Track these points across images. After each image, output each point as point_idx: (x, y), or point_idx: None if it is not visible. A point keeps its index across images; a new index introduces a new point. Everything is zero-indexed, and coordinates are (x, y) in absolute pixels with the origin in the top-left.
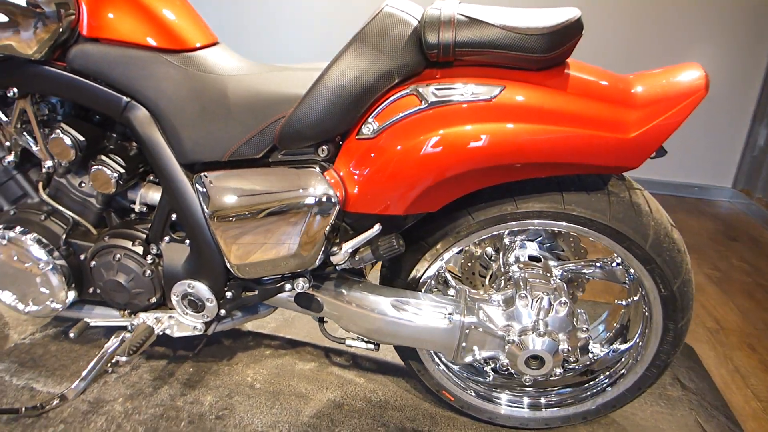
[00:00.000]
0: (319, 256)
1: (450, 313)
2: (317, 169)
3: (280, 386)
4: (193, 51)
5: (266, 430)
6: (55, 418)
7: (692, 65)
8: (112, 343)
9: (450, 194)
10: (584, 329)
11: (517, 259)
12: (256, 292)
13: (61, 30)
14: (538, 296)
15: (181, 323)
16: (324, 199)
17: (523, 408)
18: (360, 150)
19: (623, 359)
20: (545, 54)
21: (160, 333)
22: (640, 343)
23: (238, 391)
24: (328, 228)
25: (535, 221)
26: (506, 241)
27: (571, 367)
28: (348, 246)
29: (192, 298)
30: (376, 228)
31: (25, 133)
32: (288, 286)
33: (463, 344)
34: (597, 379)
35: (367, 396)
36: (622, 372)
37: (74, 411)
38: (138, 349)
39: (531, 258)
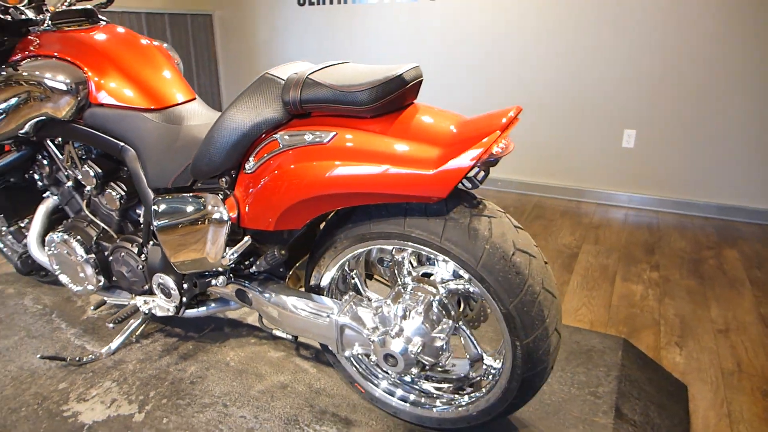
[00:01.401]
0: (225, 259)
1: (330, 314)
2: (219, 195)
3: (247, 366)
4: (166, 108)
5: (220, 397)
6: (88, 368)
7: (510, 109)
8: (134, 320)
9: (305, 214)
10: (441, 338)
11: (410, 273)
12: (197, 286)
13: (79, 100)
14: (401, 305)
15: (160, 306)
16: (217, 216)
17: (416, 406)
18: (245, 182)
19: (487, 371)
20: (366, 105)
21: (146, 312)
22: (497, 356)
23: (215, 366)
24: (223, 237)
25: (385, 240)
26: (401, 256)
27: (436, 370)
28: (229, 252)
29: (163, 287)
30: (246, 239)
31: (73, 167)
32: (214, 282)
33: (341, 340)
34: (471, 387)
35: (310, 382)
36: (490, 381)
37: (102, 365)
38: (122, 321)
39: (424, 274)
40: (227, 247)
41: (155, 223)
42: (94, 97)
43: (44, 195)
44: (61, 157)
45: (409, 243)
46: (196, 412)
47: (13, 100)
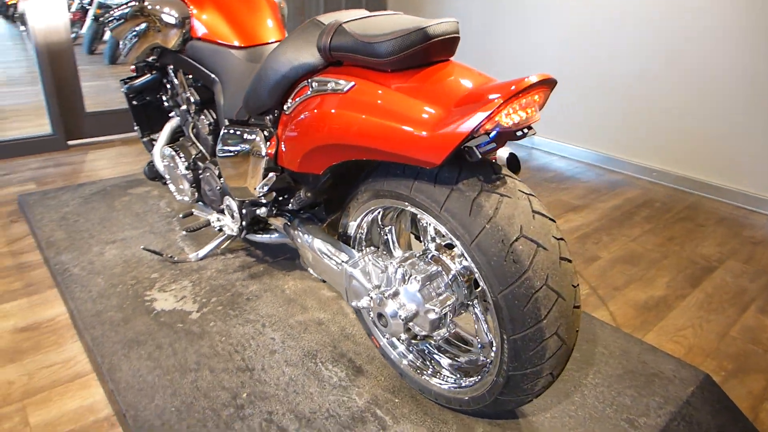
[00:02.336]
0: (256, 191)
1: (342, 262)
2: (264, 132)
3: (297, 297)
4: (250, 47)
5: (263, 317)
6: (177, 267)
7: (532, 76)
8: (221, 235)
9: (322, 161)
10: (435, 311)
11: (433, 240)
12: (246, 212)
13: (183, 32)
14: (404, 269)
15: (227, 225)
16: (256, 151)
17: (421, 374)
18: (283, 122)
19: (478, 356)
20: (385, 58)
21: (217, 228)
22: (487, 343)
23: (272, 290)
24: (260, 171)
25: (395, 200)
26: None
27: (453, 344)
28: (260, 184)
29: (229, 209)
30: (271, 175)
31: (183, 93)
32: (258, 211)
33: (349, 289)
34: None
35: (344, 326)
36: (482, 369)
37: (188, 267)
38: (194, 231)
39: (447, 245)
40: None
41: (217, 149)
42: (195, 32)
43: (170, 114)
44: (176, 82)
45: (413, 207)
46: (239, 324)
47: (138, 28)
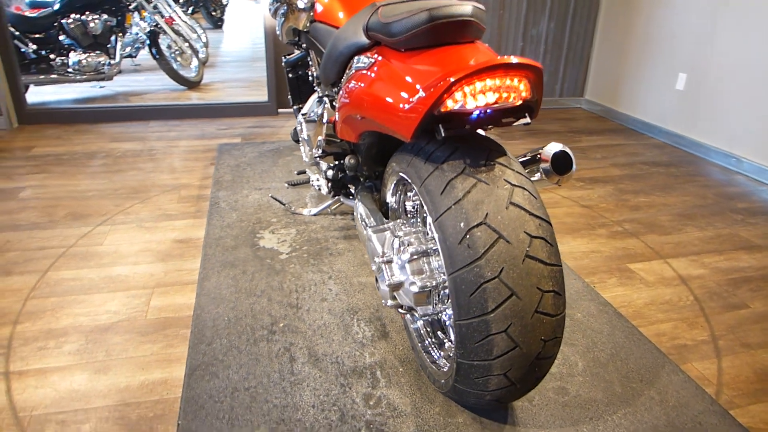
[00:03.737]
0: (311, 153)
1: (366, 226)
2: (331, 102)
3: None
4: None
5: (333, 272)
6: (292, 217)
7: (511, 58)
8: (332, 200)
9: (352, 130)
10: (417, 285)
11: None
12: (331, 174)
13: (310, 15)
14: (400, 239)
15: (320, 184)
16: (321, 118)
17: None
18: (339, 93)
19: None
20: (395, 38)
21: (315, 187)
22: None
23: (354, 251)
24: (322, 135)
25: (402, 173)
26: None
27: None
28: (315, 147)
29: (321, 170)
30: (320, 139)
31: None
32: (328, 173)
33: (368, 251)
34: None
35: None
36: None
37: (300, 219)
38: (295, 185)
39: None
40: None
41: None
42: (317, 14)
43: (314, 87)
44: (311, 62)
45: (408, 181)
46: (311, 271)
47: (281, 11)
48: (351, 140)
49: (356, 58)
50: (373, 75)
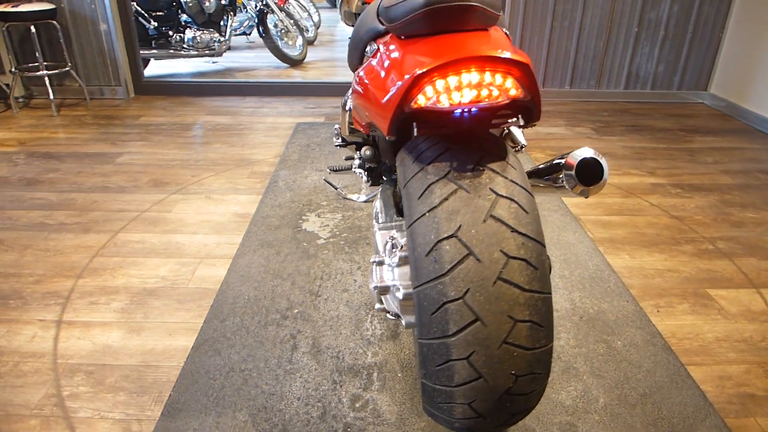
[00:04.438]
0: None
1: (377, 222)
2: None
3: None
4: None
5: (364, 262)
6: (343, 202)
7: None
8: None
9: (362, 120)
10: (402, 291)
11: None
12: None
13: None
14: (394, 244)
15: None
16: (344, 105)
17: None
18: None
19: None
20: (389, 24)
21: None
22: None
23: None
24: (344, 124)
25: None
26: None
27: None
28: (335, 136)
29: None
30: (336, 127)
31: None
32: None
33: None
34: None
35: None
36: None
37: (350, 205)
38: (336, 171)
39: None
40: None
41: None
42: None
43: None
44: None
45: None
46: (342, 260)
47: None
48: (362, 131)
49: (369, 44)
50: (373, 64)
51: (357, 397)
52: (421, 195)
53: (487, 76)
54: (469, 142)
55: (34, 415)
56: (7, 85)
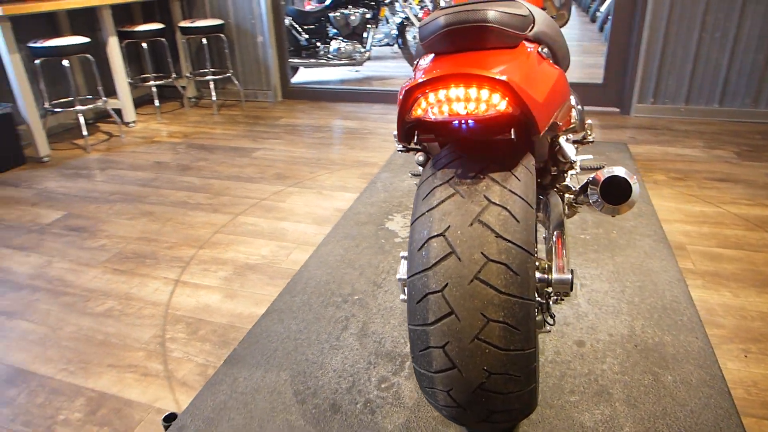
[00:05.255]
0: None
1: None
2: None
3: None
4: None
5: None
6: None
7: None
8: None
9: None
10: None
11: None
12: None
13: None
14: None
15: None
16: None
17: None
18: None
19: None
20: (422, 42)
21: None
22: None
23: None
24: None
25: None
26: None
27: None
28: (396, 146)
29: None
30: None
31: None
32: None
33: None
34: None
35: None
36: None
37: None
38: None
39: None
40: None
41: None
42: None
43: None
44: None
45: None
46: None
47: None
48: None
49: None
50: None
51: (385, 379)
52: (426, 196)
53: (472, 92)
54: (481, 153)
55: (143, 348)
56: (183, 87)
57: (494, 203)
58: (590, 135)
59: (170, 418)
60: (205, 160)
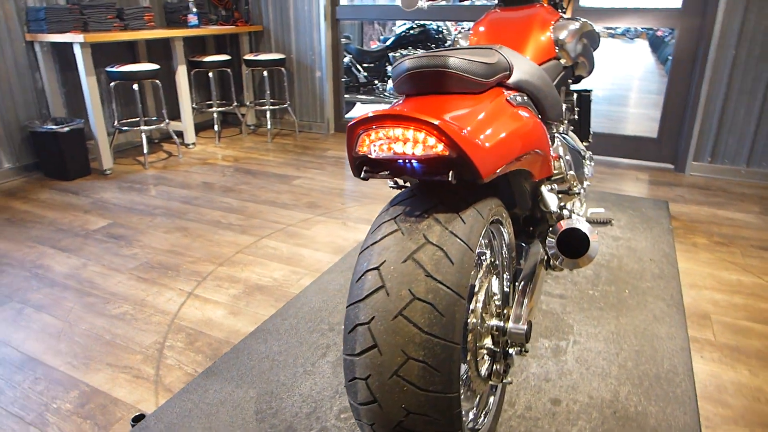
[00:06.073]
0: None
1: None
2: None
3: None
4: None
5: None
6: None
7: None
8: None
9: None
10: None
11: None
12: None
13: None
14: None
15: None
16: None
17: None
18: None
19: None
20: (393, 82)
21: None
22: None
23: None
24: None
25: None
26: None
27: None
28: None
29: None
30: None
31: None
32: None
33: None
34: None
35: None
36: None
37: None
38: None
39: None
40: None
41: None
42: None
43: None
44: None
45: None
46: None
47: None
48: None
49: None
50: None
51: (346, 409)
52: (374, 230)
53: (409, 133)
54: (436, 193)
55: (142, 352)
56: (243, 114)
57: (431, 242)
58: (575, 186)
59: (138, 419)
60: (247, 184)
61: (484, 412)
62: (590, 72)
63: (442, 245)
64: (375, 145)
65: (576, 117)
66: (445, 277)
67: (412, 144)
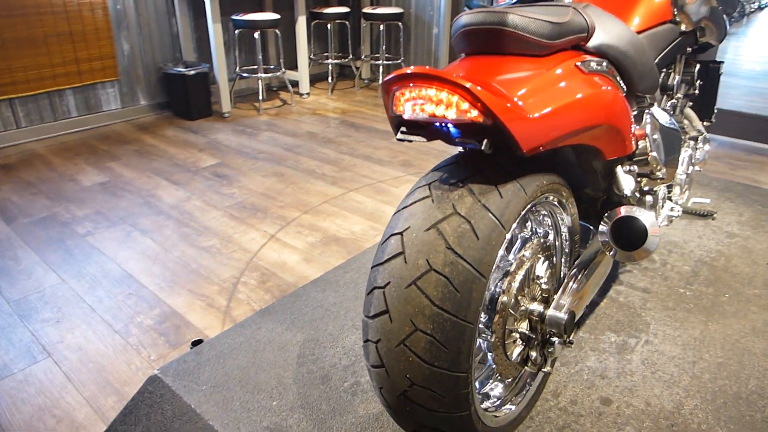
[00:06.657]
0: None
1: None
2: None
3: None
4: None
5: None
6: None
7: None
8: None
9: None
10: None
11: None
12: None
13: None
14: None
15: None
16: None
17: None
18: None
19: None
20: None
21: None
22: None
23: None
24: None
25: None
26: None
27: None
28: None
29: None
30: None
31: None
32: None
33: None
34: None
35: None
36: None
37: None
38: None
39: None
40: None
41: None
42: None
43: None
44: None
45: None
46: None
47: None
48: None
49: None
50: None
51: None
52: (409, 193)
53: (442, 95)
54: (478, 163)
55: (219, 284)
56: (357, 68)
57: (458, 213)
58: (658, 170)
59: (197, 343)
60: (348, 137)
61: (514, 398)
62: (721, 40)
63: (469, 218)
64: (409, 104)
65: (697, 92)
66: (466, 251)
67: (445, 107)
